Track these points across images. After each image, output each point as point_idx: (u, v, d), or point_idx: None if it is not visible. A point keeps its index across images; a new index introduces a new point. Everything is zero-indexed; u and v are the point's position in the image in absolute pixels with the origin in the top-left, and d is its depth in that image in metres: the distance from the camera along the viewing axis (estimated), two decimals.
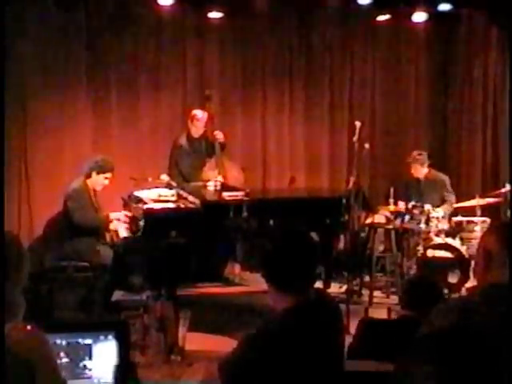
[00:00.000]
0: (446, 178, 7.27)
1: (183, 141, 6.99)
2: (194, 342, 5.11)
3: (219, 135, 6.96)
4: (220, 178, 6.79)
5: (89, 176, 5.92)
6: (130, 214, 6.06)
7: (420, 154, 7.20)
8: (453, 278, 6.48)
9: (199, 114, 6.98)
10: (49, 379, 1.53)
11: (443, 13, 7.78)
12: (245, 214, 5.76)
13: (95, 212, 5.95)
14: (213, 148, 7.01)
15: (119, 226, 6.02)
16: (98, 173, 5.90)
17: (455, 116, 8.56)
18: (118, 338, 2.10)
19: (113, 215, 6.00)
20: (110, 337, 2.10)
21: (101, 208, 6.06)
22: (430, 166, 7.23)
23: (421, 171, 7.18)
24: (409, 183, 7.31)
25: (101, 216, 5.97)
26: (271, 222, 5.83)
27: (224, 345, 4.47)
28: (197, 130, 7.01)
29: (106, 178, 5.94)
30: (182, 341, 4.98)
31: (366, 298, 6.63)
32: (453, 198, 7.17)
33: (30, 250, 6.13)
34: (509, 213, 6.88)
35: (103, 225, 5.96)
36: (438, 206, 6.95)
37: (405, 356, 1.65)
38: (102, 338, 2.09)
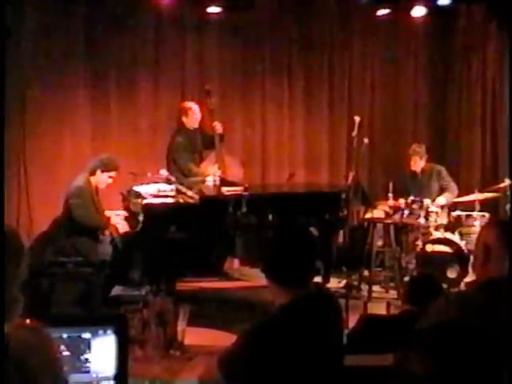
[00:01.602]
0: (442, 168, 7.27)
1: (179, 136, 6.94)
2: (193, 336, 5.14)
3: (218, 126, 6.90)
4: (219, 173, 6.78)
5: (93, 173, 5.91)
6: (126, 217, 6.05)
7: (419, 147, 7.22)
8: (452, 273, 6.48)
9: (193, 105, 6.90)
10: (51, 380, 1.51)
11: (442, 7, 7.78)
12: (244, 209, 5.75)
13: (96, 210, 5.94)
14: (211, 141, 6.96)
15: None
16: (102, 171, 5.89)
17: (454, 111, 8.56)
18: (117, 333, 2.10)
19: (113, 220, 5.98)
20: (109, 331, 2.09)
21: (102, 206, 6.05)
22: (427, 159, 7.24)
23: (419, 164, 7.19)
24: (407, 177, 7.32)
25: (102, 218, 5.95)
26: (270, 217, 5.83)
27: (223, 339, 4.48)
28: (193, 122, 6.89)
29: (110, 176, 5.93)
30: (181, 335, 5.01)
31: (365, 293, 6.64)
32: (453, 185, 7.16)
33: (29, 247, 6.16)
34: (508, 207, 6.88)
35: (103, 226, 5.96)
36: (438, 196, 6.97)
37: (403, 350, 1.66)
38: (100, 332, 2.08)
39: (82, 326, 2.08)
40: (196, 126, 6.93)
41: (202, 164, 6.93)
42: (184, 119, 6.87)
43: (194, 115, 6.86)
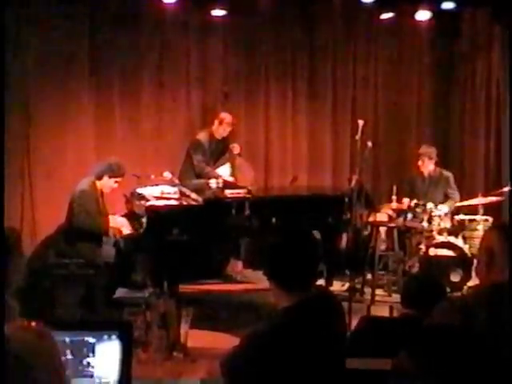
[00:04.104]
0: (450, 175, 7.28)
1: (204, 138, 7.02)
2: (196, 339, 5.13)
3: (236, 148, 7.01)
4: (228, 175, 6.86)
5: (100, 178, 5.90)
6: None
7: (429, 147, 7.24)
8: (455, 277, 6.48)
9: (228, 117, 7.03)
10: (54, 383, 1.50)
11: (446, 11, 7.77)
12: (247, 211, 5.76)
13: (100, 214, 5.93)
14: (229, 152, 7.07)
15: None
16: (110, 176, 5.89)
17: (458, 115, 8.55)
18: (121, 338, 2.09)
19: (112, 223, 5.98)
20: (113, 337, 2.09)
21: (106, 209, 6.04)
22: (435, 163, 7.25)
23: (428, 166, 7.19)
24: (413, 180, 7.33)
25: (104, 222, 5.92)
26: (273, 220, 5.83)
27: (226, 342, 4.49)
28: (222, 133, 7.08)
29: (117, 182, 5.93)
30: (184, 338, 5.01)
31: (368, 296, 6.63)
32: (457, 195, 7.18)
33: (32, 249, 6.17)
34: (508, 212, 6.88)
35: (105, 231, 5.93)
36: (442, 203, 6.97)
37: (404, 353, 1.66)
38: (105, 337, 2.07)
39: (87, 330, 2.07)
40: (223, 136, 7.09)
41: (213, 167, 7.01)
42: (215, 127, 7.00)
43: (227, 127, 7.01)
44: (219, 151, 7.16)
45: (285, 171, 8.02)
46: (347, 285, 6.47)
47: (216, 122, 7.03)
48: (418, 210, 6.68)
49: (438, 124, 8.60)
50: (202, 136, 7.05)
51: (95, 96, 7.40)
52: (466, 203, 7.15)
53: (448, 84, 8.57)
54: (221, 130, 7.04)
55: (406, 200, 6.88)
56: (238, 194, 6.10)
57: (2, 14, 5.96)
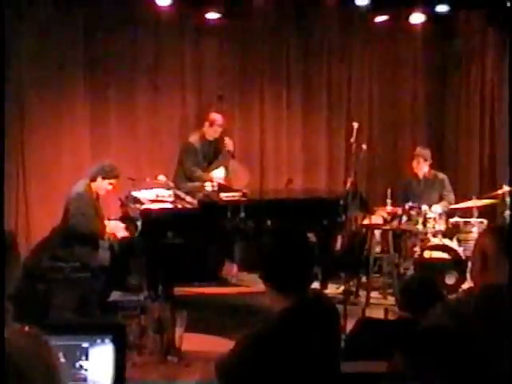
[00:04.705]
0: (444, 177, 7.29)
1: (195, 140, 6.99)
2: (191, 342, 5.14)
3: (229, 144, 6.97)
4: (222, 178, 6.84)
5: (94, 180, 5.89)
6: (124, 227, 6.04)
7: (424, 149, 7.25)
8: (450, 279, 6.49)
9: (219, 118, 6.99)
10: None
11: (441, 14, 7.80)
12: (242, 214, 5.76)
13: (96, 216, 5.92)
14: (223, 154, 7.04)
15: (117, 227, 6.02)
16: (103, 178, 5.88)
17: (452, 118, 8.57)
18: (115, 342, 2.08)
19: (109, 228, 5.96)
20: (106, 340, 2.08)
21: (102, 212, 6.03)
22: (429, 165, 7.26)
23: (422, 167, 7.19)
24: (408, 182, 7.33)
25: (100, 225, 5.91)
26: (268, 222, 5.83)
27: (221, 345, 4.48)
28: (213, 134, 7.01)
29: (111, 183, 5.92)
30: (179, 341, 5.01)
31: (363, 299, 6.64)
32: (451, 196, 7.18)
33: (27, 252, 6.14)
34: (507, 214, 6.88)
35: (100, 234, 5.91)
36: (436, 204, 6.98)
37: (398, 355, 1.66)
38: (98, 341, 2.06)
39: (80, 334, 2.06)
40: (214, 138, 7.03)
41: (207, 170, 6.99)
42: (206, 128, 6.94)
43: (217, 128, 6.97)
44: (211, 153, 7.13)
45: (280, 174, 8.02)
46: (342, 287, 6.47)
47: (206, 124, 6.99)
48: (413, 212, 6.69)
49: (433, 126, 8.62)
50: (194, 138, 7.02)
51: (90, 98, 7.40)
52: (460, 205, 7.16)
53: (442, 87, 8.59)
54: (212, 132, 6.99)
55: (400, 202, 6.88)
56: (233, 196, 6.10)
57: (2, 15, 5.96)
